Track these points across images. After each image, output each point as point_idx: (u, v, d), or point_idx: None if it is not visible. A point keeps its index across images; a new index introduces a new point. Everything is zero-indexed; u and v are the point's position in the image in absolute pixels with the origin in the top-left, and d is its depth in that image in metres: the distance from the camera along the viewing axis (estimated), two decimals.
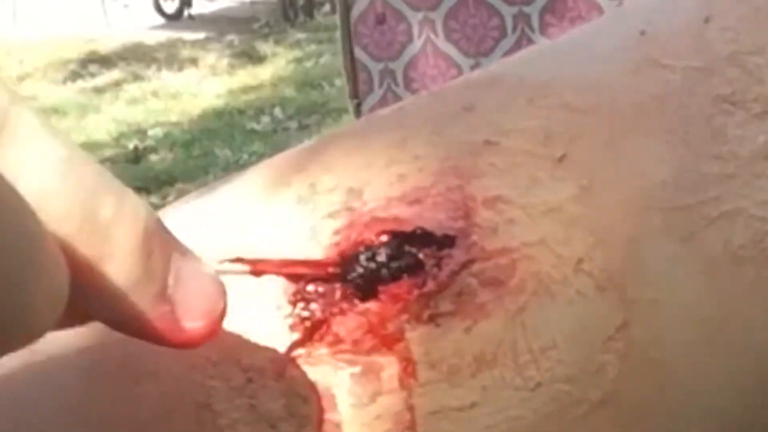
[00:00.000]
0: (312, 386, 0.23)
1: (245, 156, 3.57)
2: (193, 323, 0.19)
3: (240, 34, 5.66)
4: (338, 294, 0.23)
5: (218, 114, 4.22)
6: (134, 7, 6.71)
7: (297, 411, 0.23)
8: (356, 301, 0.23)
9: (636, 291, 0.23)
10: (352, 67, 1.40)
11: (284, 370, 0.23)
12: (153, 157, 3.73)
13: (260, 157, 3.65)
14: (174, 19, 6.36)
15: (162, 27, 6.21)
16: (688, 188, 0.24)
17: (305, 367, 0.23)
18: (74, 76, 5.17)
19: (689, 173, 0.24)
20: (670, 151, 0.24)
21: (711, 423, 0.24)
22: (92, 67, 5.29)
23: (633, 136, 0.25)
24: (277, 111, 4.08)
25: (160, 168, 3.56)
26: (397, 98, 1.01)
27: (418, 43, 1.31)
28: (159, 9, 6.38)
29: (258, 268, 0.23)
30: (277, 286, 0.24)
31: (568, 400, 0.23)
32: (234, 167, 3.46)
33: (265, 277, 0.24)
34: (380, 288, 0.23)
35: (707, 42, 0.25)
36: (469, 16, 1.22)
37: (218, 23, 6.07)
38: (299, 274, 0.23)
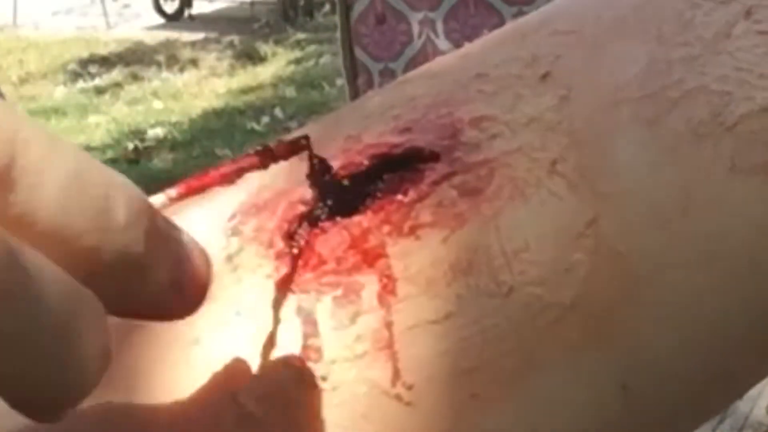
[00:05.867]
0: (297, 312, 0.23)
1: None
2: (193, 297, 0.19)
3: (240, 34, 5.67)
4: (323, 215, 0.24)
5: (218, 114, 4.23)
6: (134, 7, 6.72)
7: (279, 338, 0.23)
8: (339, 218, 0.24)
9: (606, 184, 0.24)
10: (352, 67, 1.40)
11: (270, 300, 0.23)
12: (153, 157, 3.74)
13: None
14: (174, 19, 6.36)
15: (162, 27, 6.21)
16: (656, 76, 0.24)
17: (290, 294, 0.23)
18: (74, 76, 5.17)
19: (658, 62, 0.25)
20: (643, 48, 0.25)
21: (684, 323, 0.24)
22: (92, 68, 5.30)
23: (612, 44, 0.26)
24: (277, 111, 4.08)
25: (160, 168, 3.57)
26: None
27: (418, 43, 1.31)
28: (159, 9, 6.38)
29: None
30: (272, 224, 0.25)
31: (540, 304, 0.23)
32: None
33: (262, 216, 0.25)
34: (365, 203, 0.24)
35: None
36: (469, 16, 1.23)
37: (218, 23, 6.08)
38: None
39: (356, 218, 0.24)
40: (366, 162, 0.25)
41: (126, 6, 6.81)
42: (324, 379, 0.23)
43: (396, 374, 0.23)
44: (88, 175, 0.17)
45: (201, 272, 0.19)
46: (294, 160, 0.26)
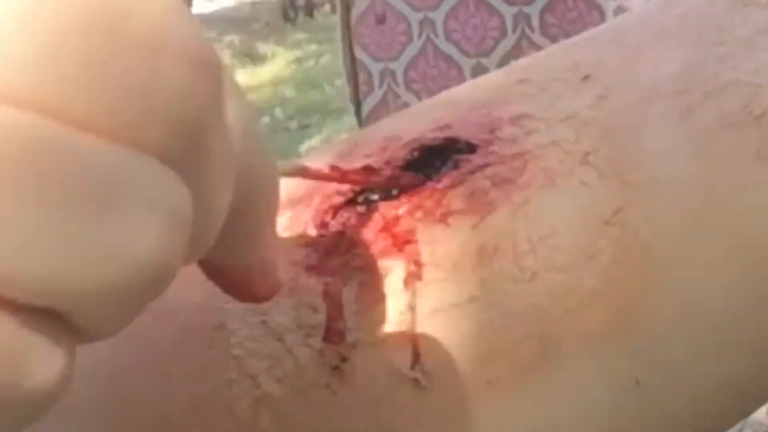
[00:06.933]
0: (323, 295, 0.24)
1: None
2: (269, 288, 0.21)
3: (240, 34, 5.66)
4: (358, 200, 0.25)
5: None
6: None
7: (305, 322, 0.23)
8: (374, 202, 0.24)
9: (635, 173, 0.24)
10: (352, 67, 1.40)
11: (297, 284, 0.24)
12: None
13: None
14: None
15: None
16: (691, 73, 0.25)
17: (318, 278, 0.24)
18: None
19: (694, 61, 0.25)
20: (680, 52, 0.26)
21: (699, 321, 0.24)
22: None
23: (653, 48, 0.26)
24: (277, 111, 4.08)
25: None
26: (398, 98, 1.02)
27: (418, 43, 1.31)
28: None
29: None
30: (306, 215, 0.25)
31: (562, 290, 0.23)
32: None
33: (297, 209, 0.25)
34: (400, 189, 0.24)
35: None
36: (469, 16, 1.23)
37: (218, 23, 6.07)
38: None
39: (390, 203, 0.24)
40: (405, 154, 0.25)
41: None
42: (344, 360, 0.23)
43: (415, 358, 0.23)
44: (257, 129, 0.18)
45: (279, 275, 0.21)
46: (332, 159, 0.26)
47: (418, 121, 0.27)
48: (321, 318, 0.23)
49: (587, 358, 0.23)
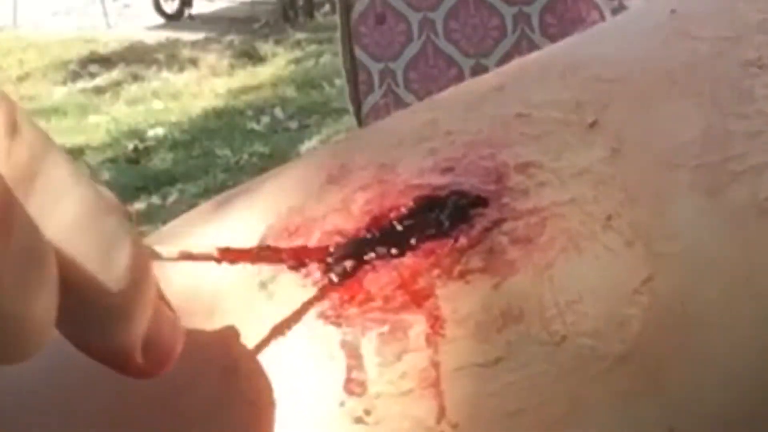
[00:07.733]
0: (341, 344, 0.23)
1: (245, 156, 3.57)
2: (157, 362, 0.20)
3: (240, 34, 5.66)
4: (372, 253, 0.24)
5: (218, 114, 4.22)
6: (134, 7, 6.71)
7: (321, 370, 0.23)
8: (389, 257, 0.24)
9: (662, 244, 0.24)
10: (352, 67, 1.40)
11: (312, 331, 0.23)
12: (153, 157, 3.73)
13: (260, 157, 3.66)
14: (174, 19, 6.36)
15: (162, 27, 6.21)
16: (715, 145, 0.25)
17: (335, 327, 0.23)
18: (74, 76, 5.16)
19: (716, 131, 0.25)
20: (698, 112, 0.25)
21: (731, 386, 0.24)
22: (92, 67, 5.29)
23: (663, 100, 0.26)
24: (277, 111, 4.08)
25: (160, 168, 3.56)
26: (398, 98, 1.01)
27: (418, 43, 1.30)
28: (159, 9, 6.37)
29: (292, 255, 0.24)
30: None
31: (591, 354, 0.23)
32: (234, 167, 3.46)
33: (295, 243, 0.25)
34: (414, 244, 0.24)
35: (738, 14, 0.26)
36: (469, 16, 1.22)
37: (218, 23, 6.07)
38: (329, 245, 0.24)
39: (406, 260, 0.24)
40: (411, 204, 0.25)
41: (126, 6, 6.80)
42: (368, 413, 0.23)
43: (441, 412, 0.23)
44: (101, 215, 0.17)
45: (171, 343, 0.20)
46: (321, 182, 0.26)
47: (410, 149, 0.26)
48: (339, 367, 0.23)
49: (619, 413, 0.23)
